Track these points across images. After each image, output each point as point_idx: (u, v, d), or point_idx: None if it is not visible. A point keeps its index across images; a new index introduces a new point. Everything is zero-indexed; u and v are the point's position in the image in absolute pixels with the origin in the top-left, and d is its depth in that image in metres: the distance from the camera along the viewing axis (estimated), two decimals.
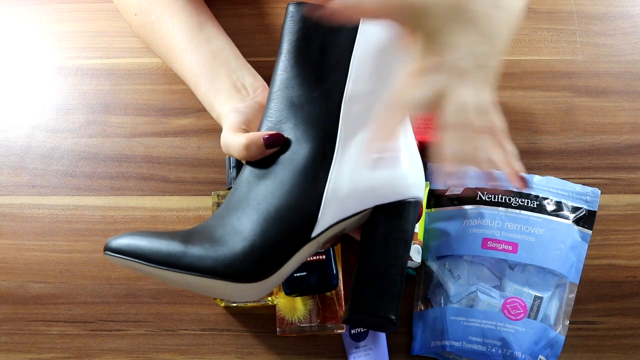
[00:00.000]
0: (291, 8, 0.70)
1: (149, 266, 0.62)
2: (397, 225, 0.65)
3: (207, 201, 0.85)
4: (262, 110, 0.74)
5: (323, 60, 0.68)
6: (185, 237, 0.64)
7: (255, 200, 0.65)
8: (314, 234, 0.64)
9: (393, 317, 0.64)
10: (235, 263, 0.62)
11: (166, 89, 0.89)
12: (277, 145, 0.67)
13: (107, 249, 0.63)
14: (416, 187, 0.66)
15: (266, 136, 0.67)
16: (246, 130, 0.70)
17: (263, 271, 0.62)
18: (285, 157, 0.66)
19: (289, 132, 0.67)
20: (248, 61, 0.90)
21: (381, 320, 0.64)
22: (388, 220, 0.65)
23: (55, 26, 0.92)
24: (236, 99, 0.75)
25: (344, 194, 0.65)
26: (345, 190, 0.65)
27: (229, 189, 0.80)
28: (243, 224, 0.64)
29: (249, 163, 0.68)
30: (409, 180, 0.66)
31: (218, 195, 0.80)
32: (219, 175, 0.86)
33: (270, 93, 0.69)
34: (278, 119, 0.68)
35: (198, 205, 0.85)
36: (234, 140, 0.68)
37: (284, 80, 0.69)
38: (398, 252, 0.65)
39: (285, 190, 0.65)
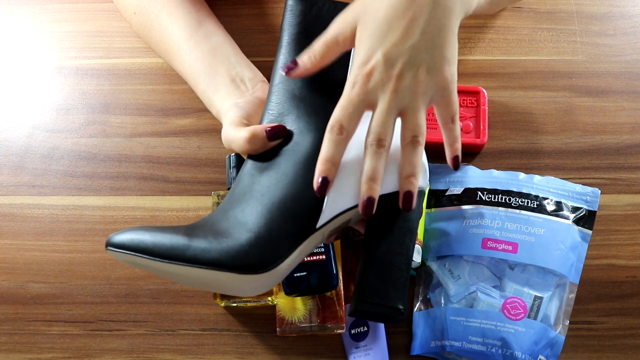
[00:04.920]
0: (290, 2, 0.70)
1: (152, 260, 0.61)
2: (402, 214, 0.65)
3: (207, 201, 0.85)
4: (261, 105, 0.73)
5: None
6: (189, 230, 0.63)
7: (259, 192, 0.64)
8: (319, 224, 0.64)
9: (401, 307, 0.64)
10: (241, 254, 0.62)
11: (166, 89, 0.89)
12: (279, 137, 0.66)
13: (109, 244, 0.62)
14: (421, 177, 0.66)
15: (268, 128, 0.66)
16: (247, 125, 0.70)
17: (268, 262, 0.62)
18: (288, 149, 0.66)
19: (291, 124, 0.67)
20: None
21: (389, 310, 0.64)
22: (393, 209, 0.65)
23: (55, 26, 0.92)
24: (235, 94, 0.75)
25: (348, 183, 0.64)
26: (350, 180, 0.64)
27: (229, 189, 0.80)
28: (247, 215, 0.63)
29: (251, 157, 0.67)
30: None
31: (218, 195, 0.80)
32: (219, 175, 0.86)
33: (271, 86, 0.69)
34: (280, 111, 0.68)
35: (198, 205, 0.85)
36: (236, 135, 0.68)
37: None
38: (404, 241, 0.65)
39: (289, 181, 0.64)
